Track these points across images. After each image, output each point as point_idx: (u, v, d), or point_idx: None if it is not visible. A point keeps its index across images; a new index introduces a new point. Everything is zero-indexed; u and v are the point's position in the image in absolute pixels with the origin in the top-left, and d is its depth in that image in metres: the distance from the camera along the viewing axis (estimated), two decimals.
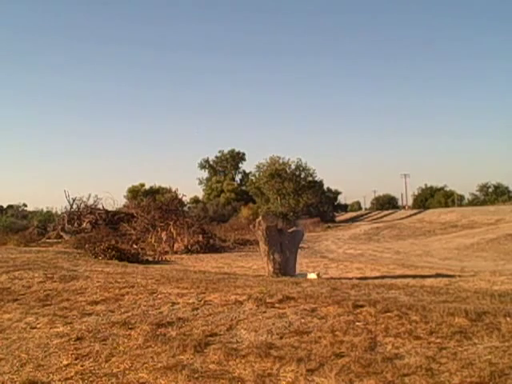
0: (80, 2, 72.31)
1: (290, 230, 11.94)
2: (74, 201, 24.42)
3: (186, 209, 29.09)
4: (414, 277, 10.11)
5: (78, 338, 4.10)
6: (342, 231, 32.80)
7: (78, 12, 73.85)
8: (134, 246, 18.40)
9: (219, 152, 50.22)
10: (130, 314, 4.90)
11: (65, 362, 3.54)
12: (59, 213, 25.89)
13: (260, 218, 11.95)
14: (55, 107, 79.47)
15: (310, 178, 46.09)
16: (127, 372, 3.25)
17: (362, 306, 4.44)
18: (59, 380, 3.22)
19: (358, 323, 3.98)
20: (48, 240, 21.12)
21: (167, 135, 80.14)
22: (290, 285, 6.20)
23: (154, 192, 31.58)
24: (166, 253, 17.87)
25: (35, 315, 5.07)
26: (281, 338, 3.75)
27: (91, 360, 3.55)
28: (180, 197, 27.58)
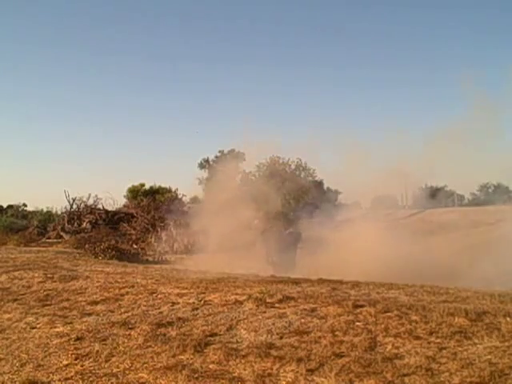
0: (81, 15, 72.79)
1: (287, 232, 11.94)
2: (73, 201, 24.38)
3: (185, 209, 29.07)
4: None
5: (77, 338, 4.10)
6: (343, 231, 32.72)
7: (80, 23, 74.22)
8: (134, 246, 18.40)
9: (219, 152, 50.21)
10: (129, 314, 4.90)
11: (65, 362, 3.54)
12: (59, 213, 25.85)
13: (256, 221, 11.95)
14: (55, 108, 79.72)
15: (310, 178, 46.05)
16: (127, 372, 3.25)
17: (362, 306, 4.45)
18: (59, 380, 3.22)
19: (357, 323, 3.98)
20: (48, 240, 21.08)
21: (167, 135, 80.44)
22: (290, 285, 6.20)
23: (154, 192, 31.51)
24: (166, 253, 17.86)
25: (35, 315, 5.07)
26: (281, 338, 3.75)
27: (91, 360, 3.55)
28: (180, 197, 27.58)
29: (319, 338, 3.67)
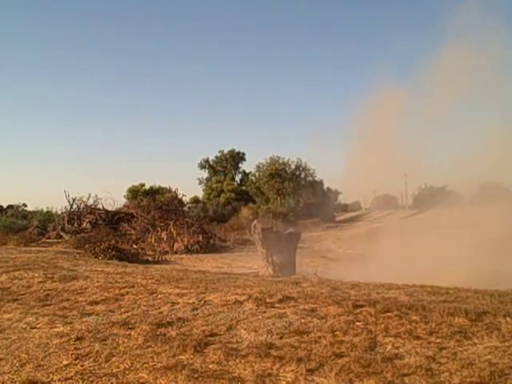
0: (83, 15, 73.38)
1: (286, 232, 11.96)
2: (73, 201, 24.43)
3: (185, 209, 29.09)
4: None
5: (77, 338, 4.10)
6: (343, 231, 32.78)
7: (80, 23, 74.72)
8: (134, 246, 18.41)
9: (219, 152, 50.22)
10: (130, 313, 4.90)
11: (65, 362, 3.54)
12: (59, 213, 25.90)
13: (255, 221, 12.00)
14: (56, 108, 79.97)
15: (310, 178, 46.16)
16: (127, 372, 3.25)
17: (362, 306, 4.44)
18: (59, 380, 3.22)
19: (357, 323, 3.98)
20: (48, 240, 21.11)
21: (167, 135, 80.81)
22: (290, 285, 6.20)
23: (154, 192, 31.56)
24: (166, 253, 17.86)
25: (35, 315, 5.07)
26: (281, 338, 3.75)
27: (91, 360, 3.55)
28: (180, 197, 27.62)
29: (319, 337, 3.67)
